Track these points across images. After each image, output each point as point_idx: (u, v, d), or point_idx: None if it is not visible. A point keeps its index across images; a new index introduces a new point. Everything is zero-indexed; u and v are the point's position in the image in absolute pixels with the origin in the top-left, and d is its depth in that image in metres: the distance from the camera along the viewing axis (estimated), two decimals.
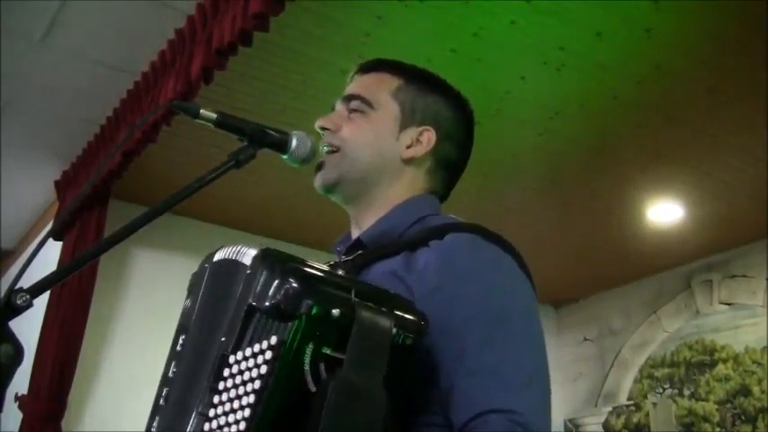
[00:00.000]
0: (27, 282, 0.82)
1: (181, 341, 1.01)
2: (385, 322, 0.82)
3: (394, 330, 0.82)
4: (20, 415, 3.40)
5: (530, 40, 2.80)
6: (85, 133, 3.61)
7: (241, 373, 0.82)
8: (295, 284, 0.80)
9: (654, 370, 4.83)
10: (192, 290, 1.04)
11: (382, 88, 1.17)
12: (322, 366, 0.79)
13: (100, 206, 3.68)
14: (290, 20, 2.59)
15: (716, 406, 4.38)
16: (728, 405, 4.32)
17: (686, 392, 4.58)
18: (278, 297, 0.80)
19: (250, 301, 0.84)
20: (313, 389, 0.78)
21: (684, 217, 4.12)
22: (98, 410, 3.83)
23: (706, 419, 4.40)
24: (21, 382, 3.45)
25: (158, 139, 2.97)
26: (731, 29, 2.70)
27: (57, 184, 4.02)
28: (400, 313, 0.84)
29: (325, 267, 0.89)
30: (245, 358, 0.83)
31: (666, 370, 4.74)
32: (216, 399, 0.84)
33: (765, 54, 2.77)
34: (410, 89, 1.17)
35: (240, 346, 0.84)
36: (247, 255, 0.90)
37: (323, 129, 1.15)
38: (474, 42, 2.81)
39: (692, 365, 4.60)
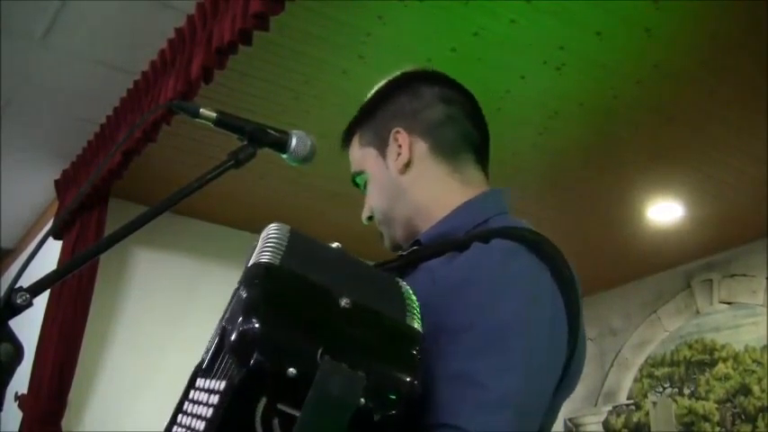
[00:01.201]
0: (27, 281, 0.82)
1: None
2: (351, 390, 0.69)
3: (361, 401, 0.70)
4: (20, 414, 3.40)
5: (530, 40, 2.80)
6: (85, 133, 3.61)
7: (198, 403, 0.77)
8: (255, 327, 0.69)
9: (654, 369, 4.83)
10: None
11: (356, 150, 1.19)
12: (276, 422, 0.69)
13: (100, 205, 3.68)
14: (290, 19, 2.59)
15: (716, 405, 4.38)
16: (728, 404, 4.32)
17: (686, 392, 4.58)
18: (236, 335, 0.69)
19: (223, 323, 0.77)
20: None
21: (684, 217, 4.12)
22: (98, 410, 3.83)
23: (706, 419, 4.40)
24: (21, 381, 3.45)
25: (158, 138, 2.97)
26: (731, 29, 2.70)
27: (57, 183, 4.02)
28: (381, 377, 0.73)
29: (324, 299, 0.76)
30: (206, 390, 0.76)
31: (666, 369, 4.75)
32: (179, 417, 0.82)
33: (766, 54, 2.77)
34: (367, 126, 1.18)
35: (210, 372, 0.78)
36: (254, 254, 0.79)
37: (369, 220, 1.19)
38: (474, 42, 2.81)
39: (691, 365, 4.60)
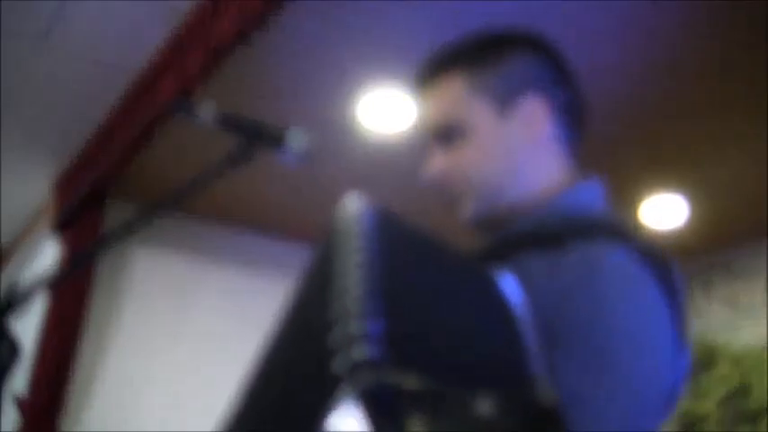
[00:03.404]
0: (25, 280, 0.82)
1: None
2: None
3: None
4: (18, 415, 3.40)
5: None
6: (84, 132, 3.61)
7: None
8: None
9: None
10: None
11: (457, 94, 1.00)
12: None
13: (98, 205, 3.68)
14: (289, 19, 2.59)
15: (715, 406, 4.38)
16: (728, 405, 4.32)
17: (686, 392, 4.58)
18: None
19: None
20: None
21: (684, 217, 4.13)
22: (98, 410, 3.83)
23: (705, 419, 4.40)
24: (20, 381, 3.45)
25: (157, 138, 2.97)
26: (732, 28, 2.70)
27: (55, 182, 4.02)
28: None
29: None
30: None
31: None
32: None
33: (766, 53, 2.77)
34: (484, 74, 1.00)
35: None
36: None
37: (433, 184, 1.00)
38: None
39: (691, 365, 4.60)
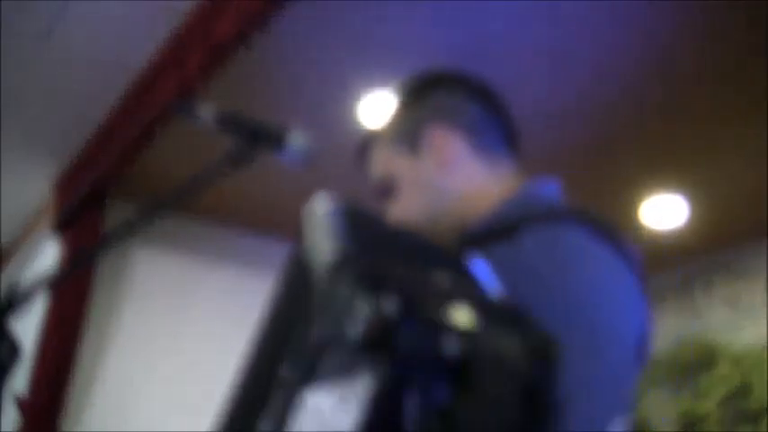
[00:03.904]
0: (25, 280, 0.82)
1: None
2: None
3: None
4: (18, 415, 3.40)
5: (530, 40, 2.80)
6: (84, 132, 3.61)
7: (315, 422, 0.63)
8: (388, 305, 0.56)
9: (653, 369, 4.83)
10: None
11: (381, 153, 1.13)
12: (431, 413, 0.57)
13: (98, 205, 3.68)
14: (289, 19, 2.59)
15: (716, 405, 4.38)
16: (728, 405, 4.32)
17: (686, 392, 4.58)
18: (364, 324, 0.56)
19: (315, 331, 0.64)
20: None
21: (684, 217, 4.13)
22: (98, 410, 3.83)
23: (706, 419, 4.40)
24: (20, 381, 3.45)
25: (157, 138, 2.97)
26: (732, 28, 2.70)
27: (55, 182, 4.02)
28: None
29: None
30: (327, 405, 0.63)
31: (666, 369, 4.74)
32: None
33: (766, 53, 2.77)
34: (394, 127, 1.13)
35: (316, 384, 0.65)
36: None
37: None
38: (474, 41, 2.81)
39: (691, 365, 4.60)
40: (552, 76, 3.02)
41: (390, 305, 0.55)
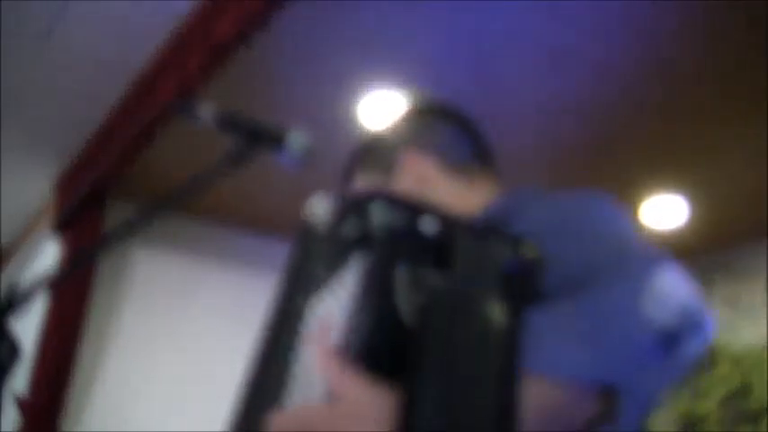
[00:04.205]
0: (25, 280, 0.83)
1: None
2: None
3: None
4: (18, 415, 3.40)
5: (530, 40, 2.80)
6: (85, 132, 3.61)
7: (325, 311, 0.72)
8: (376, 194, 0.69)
9: None
10: None
11: (360, 184, 1.20)
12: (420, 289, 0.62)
13: (98, 205, 3.69)
14: (289, 19, 2.59)
15: (716, 405, 4.38)
16: (728, 405, 4.32)
17: (686, 392, 4.58)
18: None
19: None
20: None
21: (684, 217, 4.13)
22: (98, 410, 3.83)
23: (706, 419, 4.40)
24: (20, 381, 3.45)
25: (157, 138, 2.97)
26: (732, 28, 2.70)
27: (56, 182, 4.02)
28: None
29: None
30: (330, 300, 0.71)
31: None
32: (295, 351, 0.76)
33: (766, 53, 2.77)
34: (368, 156, 1.20)
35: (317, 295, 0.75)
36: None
37: None
38: (474, 41, 2.81)
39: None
40: (552, 76, 3.02)
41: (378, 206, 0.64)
